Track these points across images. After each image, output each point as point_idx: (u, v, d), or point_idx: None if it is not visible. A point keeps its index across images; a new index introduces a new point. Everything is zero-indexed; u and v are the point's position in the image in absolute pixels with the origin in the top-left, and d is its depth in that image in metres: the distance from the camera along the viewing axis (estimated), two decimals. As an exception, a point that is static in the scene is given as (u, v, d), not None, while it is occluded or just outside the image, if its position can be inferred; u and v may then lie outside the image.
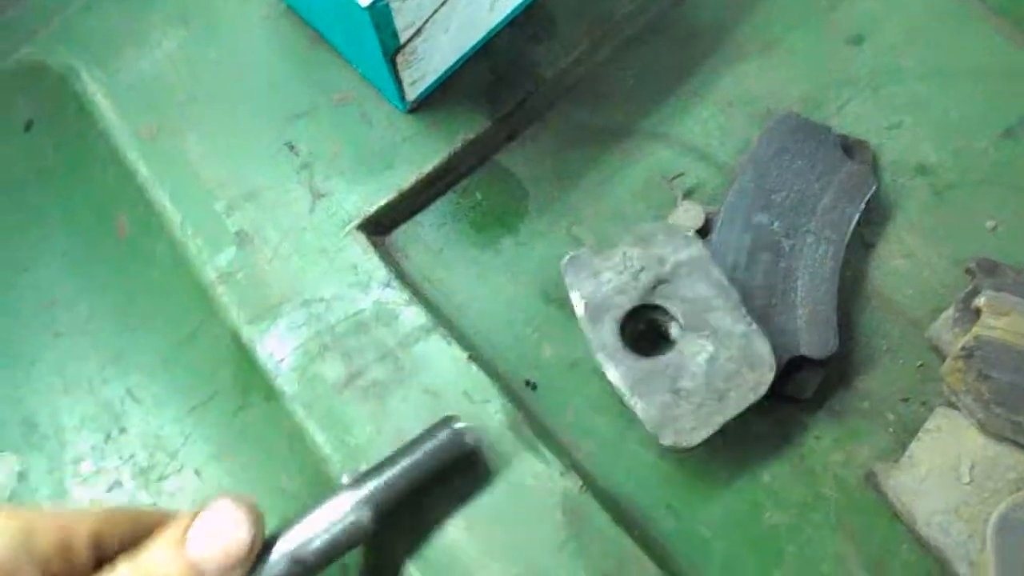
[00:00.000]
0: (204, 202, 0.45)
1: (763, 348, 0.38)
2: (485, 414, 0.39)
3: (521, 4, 0.47)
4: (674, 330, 0.39)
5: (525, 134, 0.47)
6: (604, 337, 0.38)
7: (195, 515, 0.31)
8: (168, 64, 0.49)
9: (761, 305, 0.40)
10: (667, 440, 0.37)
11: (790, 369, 0.40)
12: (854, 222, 0.42)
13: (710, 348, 0.38)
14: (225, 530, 0.30)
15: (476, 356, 0.41)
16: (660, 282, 0.39)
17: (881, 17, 0.48)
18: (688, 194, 0.45)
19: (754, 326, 0.38)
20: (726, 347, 0.38)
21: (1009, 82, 0.45)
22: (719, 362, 0.38)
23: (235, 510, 0.31)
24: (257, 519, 0.31)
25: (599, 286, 0.39)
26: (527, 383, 0.42)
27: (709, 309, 0.38)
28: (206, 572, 0.30)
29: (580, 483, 0.37)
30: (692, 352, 0.38)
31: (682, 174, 0.45)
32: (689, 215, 0.43)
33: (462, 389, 0.40)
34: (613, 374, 0.38)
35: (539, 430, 0.39)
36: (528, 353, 0.42)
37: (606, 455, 0.40)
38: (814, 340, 0.40)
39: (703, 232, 0.43)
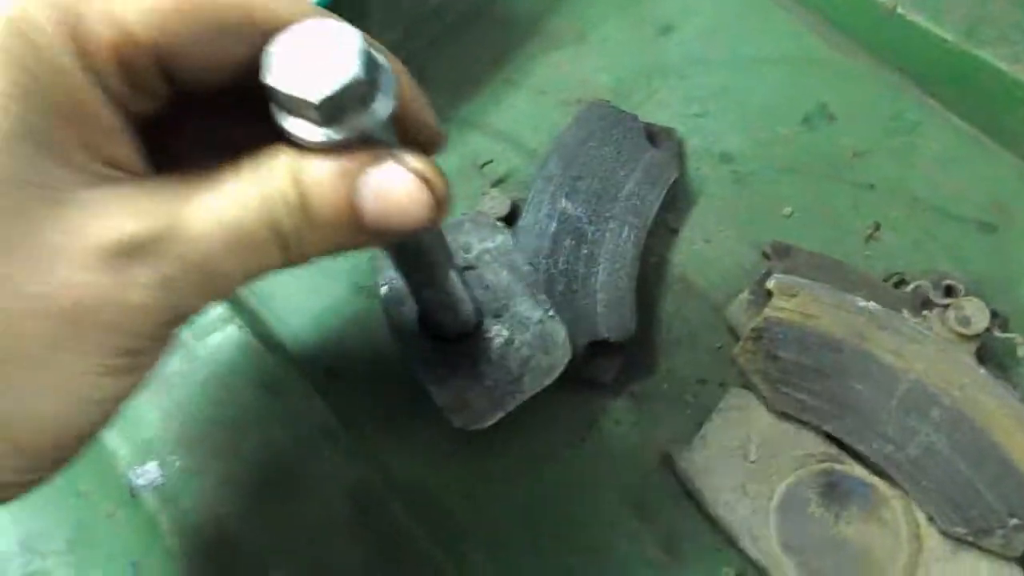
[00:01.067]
0: None
1: (559, 333, 0.38)
2: (283, 404, 0.38)
3: (332, -10, 0.46)
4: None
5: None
6: (404, 323, 0.38)
7: (372, 159, 0.24)
8: None
9: (563, 290, 0.41)
10: (458, 422, 0.36)
11: (592, 354, 0.40)
12: (656, 207, 0.43)
13: (505, 333, 0.38)
14: (402, 193, 0.25)
15: (276, 346, 0.40)
16: (465, 269, 0.39)
17: (690, 8, 0.49)
18: (498, 182, 0.45)
19: (551, 312, 0.38)
20: (521, 332, 0.38)
21: (808, 72, 0.47)
22: (514, 346, 0.38)
23: (416, 180, 0.25)
24: (444, 199, 0.25)
25: None
26: (327, 371, 0.41)
27: (510, 296, 0.38)
28: (368, 225, 0.25)
29: (376, 473, 0.37)
30: (489, 337, 0.38)
31: (491, 161, 0.45)
32: (496, 203, 0.43)
33: (259, 380, 0.39)
34: (412, 359, 0.38)
35: (339, 419, 0.39)
36: (332, 343, 0.42)
37: (404, 443, 0.40)
38: (613, 323, 0.40)
39: (510, 220, 0.43)
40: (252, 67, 0.24)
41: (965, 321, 0.38)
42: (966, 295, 0.39)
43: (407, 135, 0.27)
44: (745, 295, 0.42)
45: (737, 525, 0.37)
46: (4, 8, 0.21)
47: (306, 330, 0.42)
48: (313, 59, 0.23)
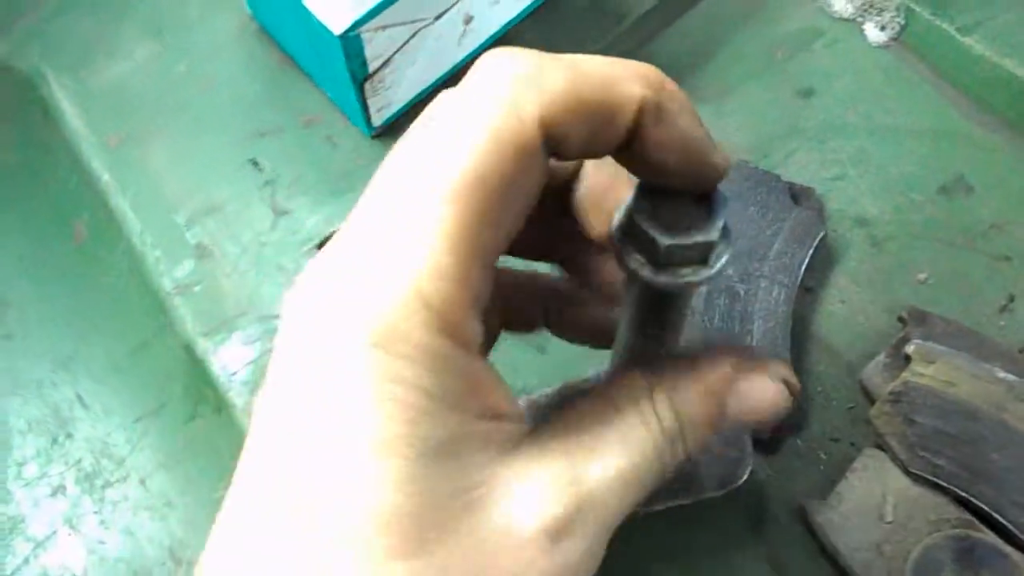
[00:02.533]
0: (165, 213, 0.45)
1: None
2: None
3: (490, 38, 0.49)
4: None
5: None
6: None
7: (734, 373, 0.26)
8: (138, 74, 0.50)
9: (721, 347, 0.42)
10: None
11: None
12: (804, 265, 0.44)
13: None
14: (766, 405, 0.26)
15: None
16: None
17: (832, 73, 0.50)
18: None
19: None
20: None
21: (947, 143, 0.48)
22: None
23: (780, 391, 0.27)
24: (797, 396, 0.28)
25: None
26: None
27: None
28: (724, 425, 0.26)
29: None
30: None
31: None
32: None
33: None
34: None
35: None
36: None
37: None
38: None
39: None
40: None
41: (1103, 398, 0.39)
42: (1104, 372, 0.40)
43: (693, 172, 0.26)
44: (881, 358, 0.43)
45: (872, 584, 0.38)
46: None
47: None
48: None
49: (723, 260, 0.24)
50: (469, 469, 0.21)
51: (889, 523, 0.40)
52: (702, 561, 0.40)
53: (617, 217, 0.25)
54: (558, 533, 0.21)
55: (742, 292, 0.43)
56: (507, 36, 0.50)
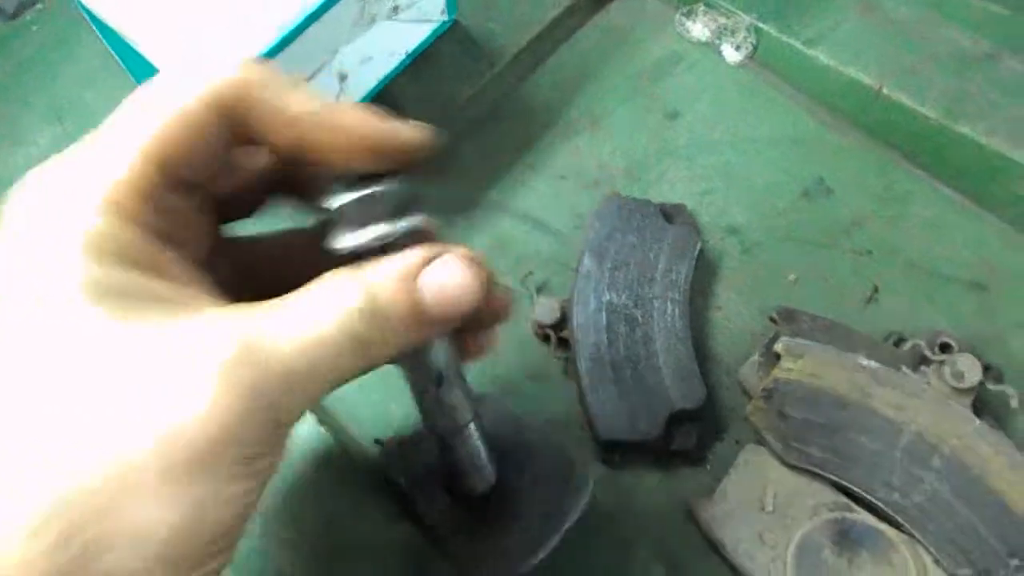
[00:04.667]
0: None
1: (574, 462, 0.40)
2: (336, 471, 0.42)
3: (368, 94, 0.52)
4: None
5: (377, 211, 0.51)
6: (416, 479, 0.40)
7: (425, 259, 0.28)
8: (43, 159, 0.52)
9: (631, 374, 0.44)
10: None
11: (671, 427, 0.43)
12: (689, 277, 0.46)
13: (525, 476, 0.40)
14: (456, 284, 0.28)
15: (327, 420, 0.44)
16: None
17: (695, 95, 0.53)
18: (540, 289, 0.49)
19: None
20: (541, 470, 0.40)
21: (805, 150, 0.51)
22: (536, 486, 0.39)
23: (467, 270, 0.28)
24: (487, 281, 0.29)
25: None
26: (376, 442, 0.45)
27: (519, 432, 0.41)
28: (430, 317, 0.28)
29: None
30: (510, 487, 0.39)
31: (531, 273, 0.49)
32: (546, 309, 0.46)
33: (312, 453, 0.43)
34: (433, 522, 0.39)
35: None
36: (377, 415, 0.45)
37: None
38: (683, 393, 0.43)
39: (562, 322, 0.46)
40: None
41: (960, 376, 0.42)
42: (960, 351, 0.42)
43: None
44: (755, 358, 0.45)
45: (757, 572, 0.40)
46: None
47: (358, 406, 0.46)
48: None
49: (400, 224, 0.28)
50: (148, 314, 0.25)
51: (770, 513, 0.42)
52: (600, 568, 0.41)
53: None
54: (228, 375, 0.24)
55: (639, 316, 0.45)
56: (386, 90, 0.52)
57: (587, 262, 0.47)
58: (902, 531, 0.40)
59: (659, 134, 0.52)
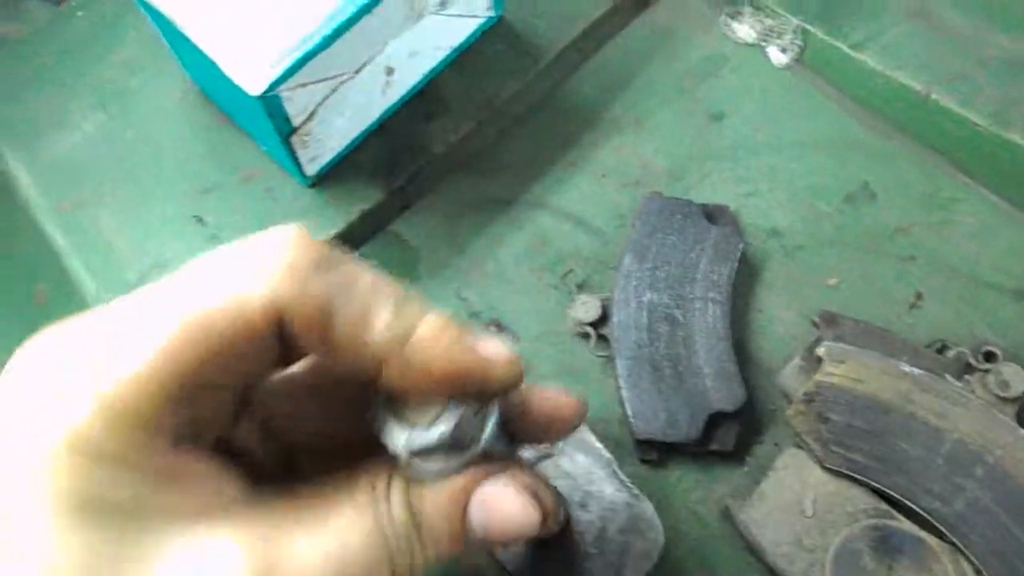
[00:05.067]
0: (117, 272, 0.48)
1: (649, 511, 0.39)
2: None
3: (413, 88, 0.52)
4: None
5: (419, 205, 0.51)
6: None
7: (478, 481, 0.26)
8: (86, 145, 0.53)
9: (671, 374, 0.44)
10: None
11: (710, 427, 0.43)
12: (732, 279, 0.46)
13: (597, 523, 0.39)
14: (507, 515, 0.26)
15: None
16: (542, 458, 0.41)
17: (740, 96, 0.53)
18: (580, 287, 0.49)
19: (636, 492, 0.40)
20: (612, 519, 0.39)
21: (850, 154, 0.51)
22: (608, 535, 0.39)
23: (522, 501, 0.26)
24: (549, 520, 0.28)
25: None
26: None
27: (591, 481, 0.40)
28: (474, 542, 0.26)
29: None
30: (580, 531, 0.39)
31: (571, 271, 0.49)
32: (587, 307, 0.47)
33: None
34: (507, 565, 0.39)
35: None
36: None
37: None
38: (723, 394, 0.43)
39: (602, 320, 0.47)
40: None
41: (1004, 385, 0.41)
42: (1004, 360, 0.42)
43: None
44: (797, 361, 0.45)
45: (795, 576, 0.40)
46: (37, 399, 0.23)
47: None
48: None
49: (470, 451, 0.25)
50: (142, 535, 0.22)
51: (809, 517, 0.42)
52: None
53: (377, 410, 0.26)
54: None
55: (680, 316, 0.45)
56: (431, 84, 0.53)
57: (628, 260, 0.47)
58: (944, 540, 0.40)
59: (703, 135, 0.52)
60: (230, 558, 0.22)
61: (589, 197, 0.51)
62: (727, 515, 0.43)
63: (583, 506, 0.39)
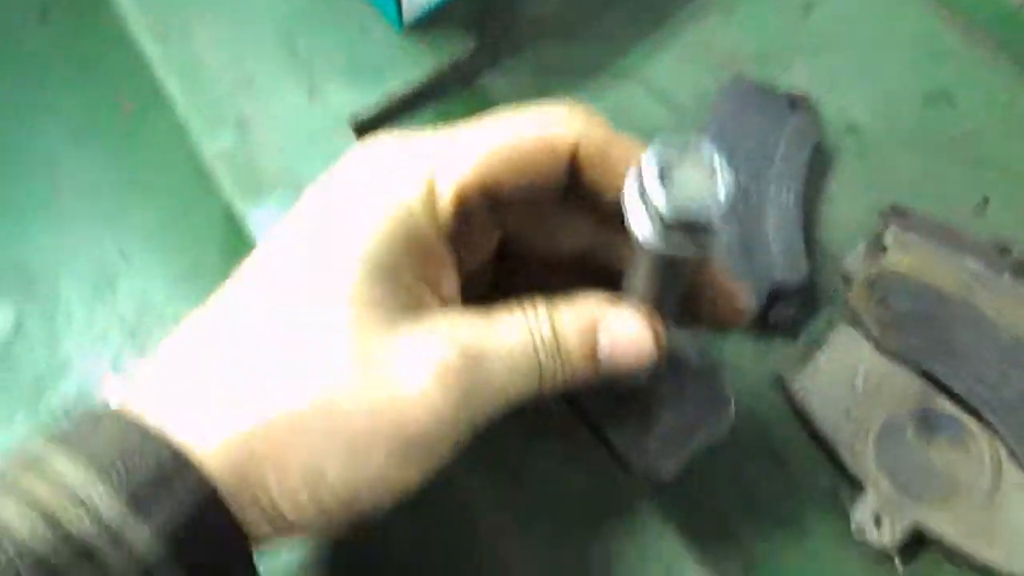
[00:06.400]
0: (207, 88, 0.49)
1: (723, 384, 0.40)
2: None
3: (513, -56, 0.52)
4: None
5: (506, 64, 0.52)
6: None
7: (607, 307, 0.31)
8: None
9: (739, 246, 0.45)
10: (638, 472, 0.38)
11: (772, 301, 0.45)
12: (806, 167, 0.47)
13: (677, 391, 0.39)
14: (632, 341, 0.31)
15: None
16: None
17: (832, -9, 0.54)
18: None
19: (712, 361, 0.41)
20: (694, 390, 0.40)
21: (935, 57, 0.52)
22: (685, 397, 0.39)
23: (645, 330, 0.31)
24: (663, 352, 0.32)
25: None
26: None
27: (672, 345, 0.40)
28: (602, 364, 0.31)
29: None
30: (660, 392, 0.39)
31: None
32: None
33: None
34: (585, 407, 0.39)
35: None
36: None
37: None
38: (787, 270, 0.45)
39: None
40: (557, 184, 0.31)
41: (1063, 288, 0.43)
42: (1066, 264, 0.44)
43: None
44: (862, 248, 0.46)
45: (840, 443, 0.42)
46: (383, 166, 0.30)
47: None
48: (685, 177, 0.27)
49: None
50: (398, 306, 0.29)
51: (859, 392, 0.44)
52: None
53: (627, 182, 0.28)
54: (454, 372, 0.28)
55: (754, 194, 0.46)
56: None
57: (709, 135, 0.48)
58: (984, 425, 0.42)
59: (792, 24, 0.53)
60: (453, 344, 0.28)
61: (674, 74, 0.52)
62: (779, 383, 0.44)
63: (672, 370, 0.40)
